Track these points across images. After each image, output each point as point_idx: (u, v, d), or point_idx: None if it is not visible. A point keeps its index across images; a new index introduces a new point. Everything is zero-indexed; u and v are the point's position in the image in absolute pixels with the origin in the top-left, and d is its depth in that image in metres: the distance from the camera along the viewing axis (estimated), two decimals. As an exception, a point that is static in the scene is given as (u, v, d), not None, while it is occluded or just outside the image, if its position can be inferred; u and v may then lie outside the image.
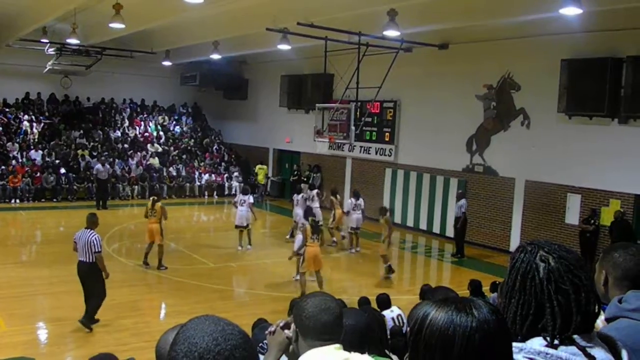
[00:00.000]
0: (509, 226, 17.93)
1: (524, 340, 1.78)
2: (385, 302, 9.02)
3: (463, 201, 17.32)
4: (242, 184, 24.25)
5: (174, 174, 27.57)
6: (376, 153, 22.39)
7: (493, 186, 18.50)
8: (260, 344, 6.12)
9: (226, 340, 1.51)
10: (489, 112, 18.52)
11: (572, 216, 16.36)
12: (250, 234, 17.45)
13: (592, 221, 15.51)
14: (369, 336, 3.57)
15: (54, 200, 24.17)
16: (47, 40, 22.74)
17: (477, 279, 10.50)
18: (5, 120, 26.91)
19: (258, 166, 27.58)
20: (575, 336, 1.76)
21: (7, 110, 27.45)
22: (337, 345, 2.54)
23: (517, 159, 17.61)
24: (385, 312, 8.34)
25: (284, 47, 18.68)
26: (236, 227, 17.23)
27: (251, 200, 17.43)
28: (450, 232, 19.46)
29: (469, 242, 18.82)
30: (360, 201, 18.00)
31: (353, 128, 17.84)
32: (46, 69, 26.34)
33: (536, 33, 16.18)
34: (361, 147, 22.59)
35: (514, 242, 17.24)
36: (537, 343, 1.76)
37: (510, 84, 17.79)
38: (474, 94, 18.71)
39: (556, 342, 1.75)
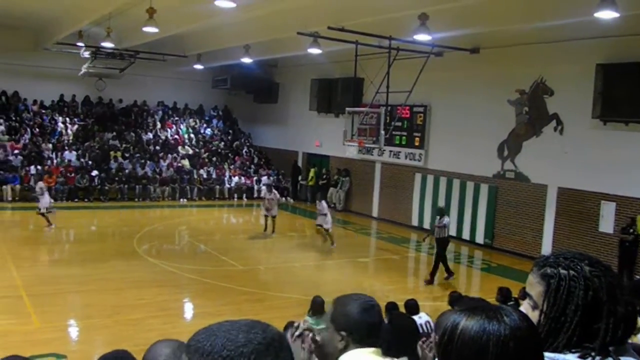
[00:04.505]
0: (541, 233, 17.70)
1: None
2: (413, 307, 8.96)
3: (447, 219, 15.40)
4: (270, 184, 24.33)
5: (204, 176, 27.77)
6: (406, 158, 22.29)
7: (524, 193, 18.29)
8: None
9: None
10: (521, 117, 18.32)
11: (606, 224, 16.08)
12: (274, 223, 19.38)
13: (631, 230, 15.16)
14: (414, 340, 3.54)
15: (86, 200, 24.51)
16: (82, 44, 23.15)
17: (507, 286, 10.41)
18: (41, 121, 27.40)
19: (312, 169, 27.59)
20: (611, 348, 1.73)
21: (43, 111, 27.96)
22: (376, 350, 2.51)
23: (549, 165, 17.39)
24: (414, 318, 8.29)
25: (315, 51, 18.72)
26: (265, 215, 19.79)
27: (270, 196, 19.55)
28: (480, 238, 19.30)
29: (499, 249, 18.68)
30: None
31: (383, 132, 17.79)
32: (81, 72, 26.75)
33: (570, 37, 15.98)
34: (391, 151, 22.52)
35: (546, 250, 16.99)
36: (570, 354, 1.73)
37: (543, 88, 17.58)
38: (506, 98, 18.53)
39: (594, 354, 1.71)
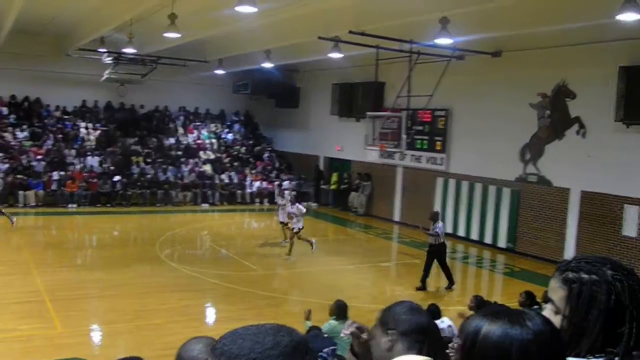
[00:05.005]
0: (564, 237, 17.54)
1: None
2: (435, 312, 8.93)
3: (440, 225, 14.50)
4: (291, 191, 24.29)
5: (226, 181, 27.88)
6: (427, 162, 22.21)
7: (547, 196, 18.14)
8: (320, 353, 6.11)
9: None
10: (543, 121, 18.18)
11: (630, 228, 15.90)
12: (290, 231, 18.49)
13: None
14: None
15: (109, 205, 24.72)
16: (104, 50, 23.36)
17: (530, 290, 10.32)
18: (64, 127, 27.70)
19: (335, 174, 27.57)
20: (634, 353, 1.70)
21: (65, 117, 28.27)
22: (427, 358, 2.46)
23: (572, 168, 17.24)
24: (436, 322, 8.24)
25: (336, 55, 18.73)
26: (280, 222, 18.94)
27: (283, 202, 18.75)
28: (502, 242, 19.17)
29: (521, 253, 18.53)
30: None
31: (404, 136, 17.76)
32: (103, 78, 27.01)
33: (593, 40, 15.85)
34: (412, 155, 22.43)
35: (569, 254, 16.83)
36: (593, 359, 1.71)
37: (565, 92, 17.44)
38: (528, 102, 18.40)
39: (617, 359, 1.69)
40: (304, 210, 17.52)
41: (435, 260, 14.51)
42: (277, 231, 19.40)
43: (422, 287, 14.38)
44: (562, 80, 17.44)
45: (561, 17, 13.98)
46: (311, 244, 17.53)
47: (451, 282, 14.58)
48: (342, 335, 2.75)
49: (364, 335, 2.63)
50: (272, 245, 18.88)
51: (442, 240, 14.43)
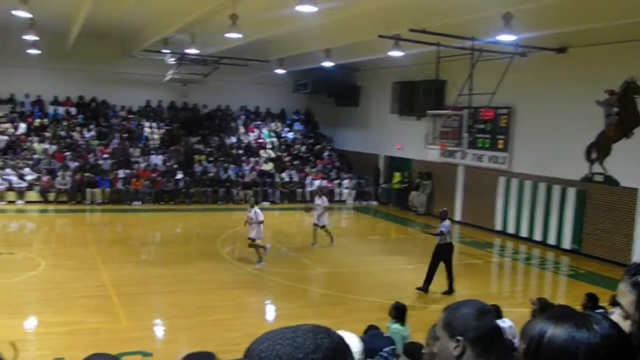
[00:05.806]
0: (631, 239, 16.99)
1: None
2: (496, 313, 8.78)
3: (447, 223, 13.64)
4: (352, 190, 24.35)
5: (286, 179, 28.08)
6: (489, 161, 21.85)
7: (614, 197, 17.60)
8: (380, 352, 6.10)
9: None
10: (610, 119, 17.64)
11: (703, 230, 15.31)
12: (328, 233, 18.34)
13: None
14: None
15: (172, 203, 25.21)
16: (168, 51, 23.86)
17: (595, 293, 10.03)
18: (129, 126, 28.44)
19: (398, 173, 27.50)
20: None
21: (130, 117, 29.01)
22: None
23: (641, 168, 16.69)
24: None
25: (396, 53, 18.63)
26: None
27: (319, 201, 18.37)
28: (567, 243, 18.70)
29: (586, 254, 18.06)
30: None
31: (465, 135, 17.56)
32: (167, 78, 27.57)
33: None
34: (473, 154, 22.11)
35: (637, 256, 16.31)
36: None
37: (634, 88, 16.86)
38: (594, 99, 17.88)
39: None
40: (261, 217, 15.70)
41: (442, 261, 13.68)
42: (335, 229, 19.36)
43: (424, 289, 13.60)
44: (630, 77, 16.86)
45: (630, 11, 13.53)
46: (261, 256, 15.75)
47: (450, 288, 13.60)
48: None
49: None
50: (331, 244, 18.92)
51: (448, 240, 13.66)
